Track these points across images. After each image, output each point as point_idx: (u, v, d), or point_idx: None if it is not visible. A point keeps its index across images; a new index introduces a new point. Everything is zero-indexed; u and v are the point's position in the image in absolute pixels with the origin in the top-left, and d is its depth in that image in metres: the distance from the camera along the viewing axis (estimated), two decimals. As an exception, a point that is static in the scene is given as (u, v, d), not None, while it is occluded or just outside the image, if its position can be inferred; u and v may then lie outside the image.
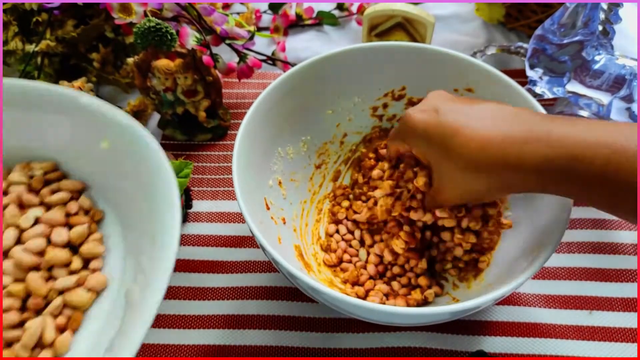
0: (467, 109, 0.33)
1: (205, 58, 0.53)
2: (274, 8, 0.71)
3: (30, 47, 0.60)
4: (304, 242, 0.47)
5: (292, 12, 0.71)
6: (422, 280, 0.42)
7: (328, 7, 0.73)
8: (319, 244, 0.48)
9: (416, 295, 0.41)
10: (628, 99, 0.46)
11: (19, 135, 0.41)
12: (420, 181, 0.36)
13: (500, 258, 0.42)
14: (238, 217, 0.52)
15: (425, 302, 0.42)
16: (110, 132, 0.39)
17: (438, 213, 0.37)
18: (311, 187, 0.51)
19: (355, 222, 0.48)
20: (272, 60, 0.62)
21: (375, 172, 0.44)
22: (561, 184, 0.29)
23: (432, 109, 0.33)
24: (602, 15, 0.47)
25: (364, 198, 0.48)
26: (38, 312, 0.36)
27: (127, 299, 0.35)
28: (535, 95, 0.51)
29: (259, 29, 0.71)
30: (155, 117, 0.62)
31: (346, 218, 0.48)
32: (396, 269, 0.43)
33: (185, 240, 0.51)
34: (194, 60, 0.52)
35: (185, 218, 0.52)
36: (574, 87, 0.49)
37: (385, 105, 0.51)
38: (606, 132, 0.28)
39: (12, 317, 0.34)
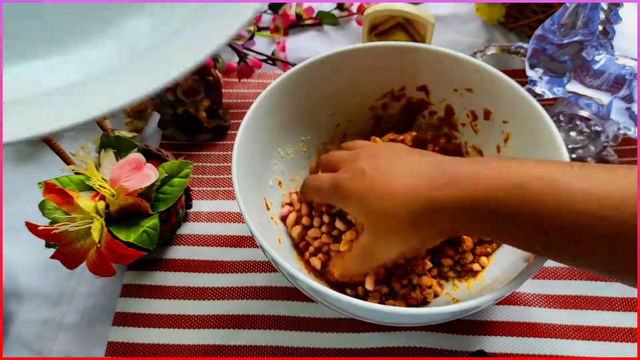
0: (389, 166, 0.34)
1: (205, 58, 0.53)
2: (274, 8, 0.71)
3: (30, 47, 0.60)
4: (304, 242, 0.47)
5: (292, 12, 0.71)
6: (425, 281, 0.42)
7: (328, 7, 0.73)
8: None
9: (416, 295, 0.41)
10: (628, 99, 0.46)
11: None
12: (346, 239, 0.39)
13: (500, 258, 0.42)
14: (238, 217, 0.52)
15: (424, 302, 0.42)
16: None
17: (367, 285, 0.39)
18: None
19: None
20: (272, 60, 0.62)
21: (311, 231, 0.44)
22: (474, 223, 0.30)
23: (360, 173, 0.35)
24: (602, 15, 0.47)
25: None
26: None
27: None
28: (535, 95, 0.51)
29: (259, 29, 0.71)
30: (155, 117, 0.62)
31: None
32: (399, 271, 0.43)
33: (185, 240, 0.51)
34: (194, 60, 0.52)
35: (185, 218, 0.52)
36: (574, 87, 0.49)
37: (385, 106, 0.51)
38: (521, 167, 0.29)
39: None
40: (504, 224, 0.29)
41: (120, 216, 0.42)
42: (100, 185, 0.41)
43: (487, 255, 0.43)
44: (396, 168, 0.34)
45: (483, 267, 0.42)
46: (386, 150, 0.37)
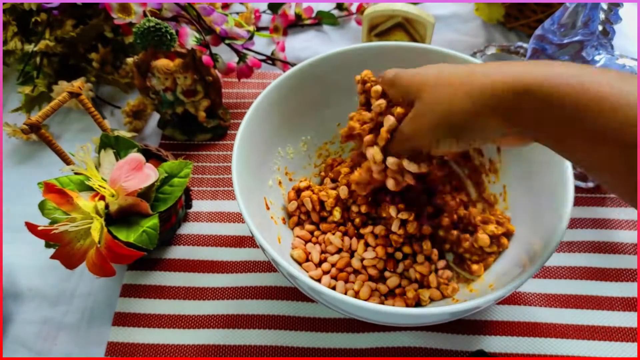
0: (437, 68, 0.35)
1: (205, 58, 0.53)
2: (273, 8, 0.71)
3: (30, 47, 0.60)
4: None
5: (291, 12, 0.71)
6: (422, 268, 0.42)
7: (327, 6, 0.73)
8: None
9: (410, 294, 0.41)
10: (628, 98, 0.46)
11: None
12: (397, 110, 0.36)
13: (501, 258, 0.42)
14: (238, 217, 0.52)
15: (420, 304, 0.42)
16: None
17: (405, 164, 0.36)
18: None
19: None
20: (271, 60, 0.62)
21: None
22: (527, 112, 0.28)
23: (416, 71, 0.35)
24: (602, 15, 0.47)
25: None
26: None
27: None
28: (535, 95, 0.51)
29: (259, 29, 0.71)
30: (155, 117, 0.62)
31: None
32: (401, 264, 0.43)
33: (185, 240, 0.51)
34: (194, 60, 0.52)
35: (185, 218, 0.52)
36: (574, 86, 0.49)
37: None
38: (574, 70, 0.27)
39: None
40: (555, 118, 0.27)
41: (120, 216, 0.42)
42: (100, 186, 0.41)
43: (488, 266, 0.42)
44: (442, 68, 0.34)
45: (485, 268, 0.42)
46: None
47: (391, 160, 0.36)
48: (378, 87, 0.38)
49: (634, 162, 0.24)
